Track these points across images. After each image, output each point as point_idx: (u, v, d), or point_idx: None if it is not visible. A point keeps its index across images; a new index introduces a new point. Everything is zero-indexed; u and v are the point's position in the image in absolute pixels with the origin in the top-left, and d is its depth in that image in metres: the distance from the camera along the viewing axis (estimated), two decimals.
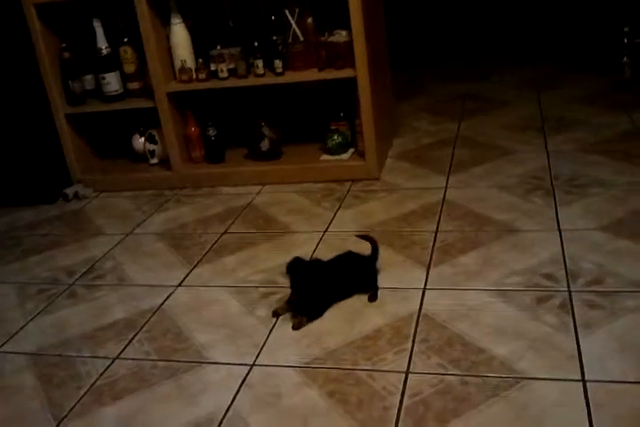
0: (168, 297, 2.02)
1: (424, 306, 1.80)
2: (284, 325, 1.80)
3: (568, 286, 1.79)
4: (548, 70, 3.99)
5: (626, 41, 3.48)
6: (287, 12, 2.64)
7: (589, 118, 3.08)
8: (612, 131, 2.89)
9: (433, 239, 2.16)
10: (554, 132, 2.96)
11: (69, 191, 2.91)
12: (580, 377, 1.45)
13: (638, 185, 2.34)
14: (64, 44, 2.82)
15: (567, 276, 1.84)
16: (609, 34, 3.68)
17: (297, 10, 2.64)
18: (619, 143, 2.75)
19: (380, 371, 1.57)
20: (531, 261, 1.95)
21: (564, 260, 1.92)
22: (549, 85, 3.66)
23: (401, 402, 1.45)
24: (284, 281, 1.99)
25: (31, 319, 2.00)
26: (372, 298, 1.87)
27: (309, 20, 2.66)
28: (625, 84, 3.44)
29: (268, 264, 2.13)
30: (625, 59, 3.45)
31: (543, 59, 4.23)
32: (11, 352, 1.85)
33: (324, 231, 2.31)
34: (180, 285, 2.09)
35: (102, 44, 2.79)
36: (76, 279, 2.21)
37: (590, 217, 2.15)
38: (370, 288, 1.89)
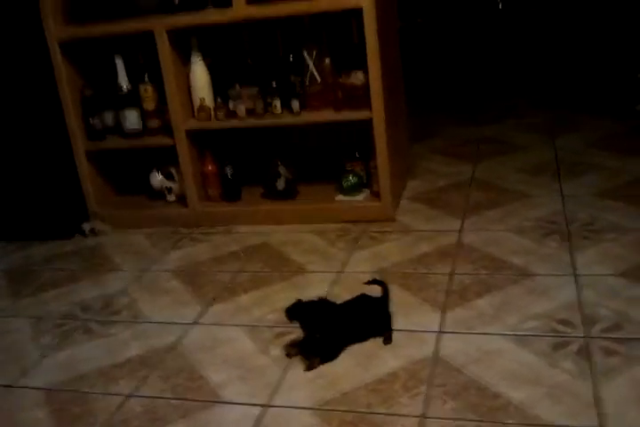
0: (182, 335, 2.02)
1: (439, 349, 1.79)
2: (299, 365, 1.79)
3: (585, 333, 1.77)
4: (563, 114, 4.02)
5: None
6: (305, 52, 2.69)
7: (605, 163, 3.09)
8: (628, 176, 2.89)
9: (448, 282, 2.16)
10: (569, 176, 2.98)
11: (86, 227, 2.94)
12: (598, 425, 1.43)
13: None
14: (85, 82, 2.88)
15: (584, 322, 1.83)
16: (625, 79, 3.72)
17: (315, 51, 2.69)
18: (635, 188, 2.76)
19: (395, 415, 1.55)
20: (547, 305, 1.94)
21: (581, 305, 1.91)
22: (564, 129, 3.69)
23: None
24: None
25: (46, 354, 2.00)
26: (387, 340, 1.86)
27: (327, 61, 2.72)
28: None
29: (282, 304, 2.09)
30: None
31: (558, 103, 4.27)
32: (25, 387, 1.85)
33: (339, 272, 2.32)
34: (194, 323, 2.09)
35: (123, 81, 2.85)
36: (92, 315, 2.22)
37: (607, 262, 2.15)
38: (384, 331, 1.88)
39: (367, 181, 2.85)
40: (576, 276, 2.09)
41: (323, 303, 1.85)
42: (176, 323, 2.09)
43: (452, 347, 1.79)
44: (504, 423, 1.48)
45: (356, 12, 2.50)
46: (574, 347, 1.72)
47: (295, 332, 1.93)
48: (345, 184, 2.84)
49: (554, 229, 2.45)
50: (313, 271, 2.35)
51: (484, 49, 4.76)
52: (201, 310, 2.16)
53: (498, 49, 4.78)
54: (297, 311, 1.79)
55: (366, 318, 1.87)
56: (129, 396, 1.74)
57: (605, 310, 1.87)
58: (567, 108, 4.11)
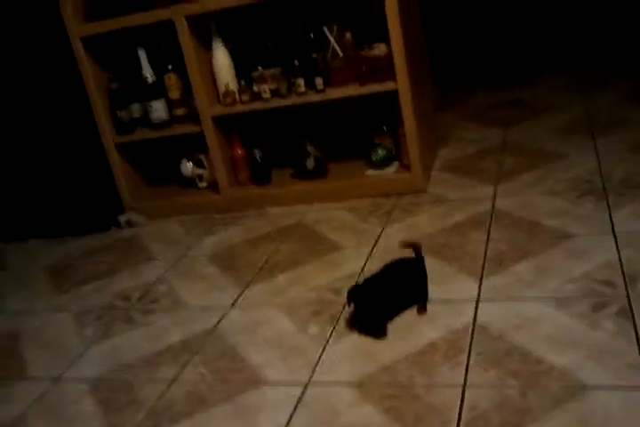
0: (221, 318, 2.03)
1: (478, 318, 1.77)
2: (338, 342, 1.79)
3: (627, 292, 1.73)
4: (591, 74, 3.90)
5: None
6: (325, 29, 2.66)
7: (637, 117, 3.00)
8: None
9: (484, 249, 2.13)
10: (602, 133, 2.90)
11: (122, 219, 2.98)
12: None
13: None
14: (111, 75, 2.91)
15: (625, 280, 1.78)
16: None
17: (335, 26, 2.66)
18: None
19: (437, 386, 1.54)
20: (586, 267, 1.89)
21: (621, 264, 1.86)
22: (594, 88, 3.59)
23: (459, 417, 1.43)
24: (335, 298, 2.01)
25: (90, 346, 2.04)
26: (422, 310, 1.84)
27: (348, 35, 2.68)
28: None
29: (318, 282, 2.13)
30: None
31: (586, 63, 4.15)
32: (72, 379, 1.89)
33: (373, 246, 2.30)
34: (232, 306, 2.10)
35: (147, 72, 2.86)
36: (132, 304, 2.25)
37: None
38: (420, 299, 1.86)
39: (396, 154, 2.82)
40: (615, 234, 2.04)
41: (365, 283, 1.82)
42: (214, 307, 2.11)
43: (491, 315, 1.77)
44: (548, 388, 1.45)
45: None
46: (615, 308, 1.68)
47: (332, 309, 1.94)
48: (374, 158, 2.81)
49: (589, 189, 2.39)
50: (347, 247, 2.34)
51: (506, 13, 4.64)
52: (238, 293, 2.17)
53: (522, 13, 4.65)
54: (355, 293, 1.78)
55: (407, 286, 1.85)
56: (172, 382, 1.77)
57: None
58: (595, 69, 3.99)
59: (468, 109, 3.72)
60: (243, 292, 2.18)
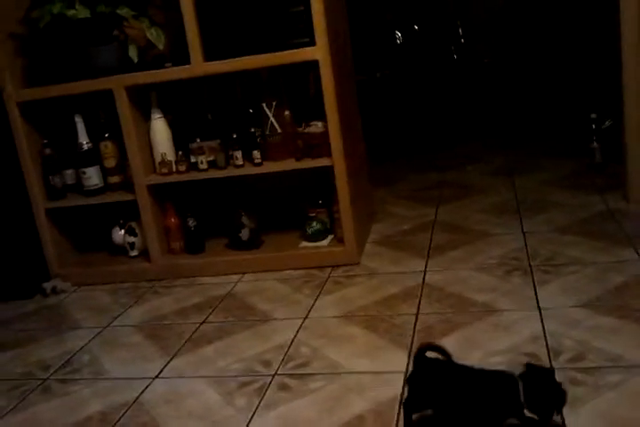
0: (145, 390, 1.96)
1: (405, 391, 1.75)
2: (264, 414, 1.74)
3: (550, 364, 1.76)
4: (520, 157, 4.11)
5: (594, 127, 3.62)
6: (264, 105, 2.74)
7: (563, 200, 3.14)
8: (587, 212, 2.94)
9: (414, 322, 2.14)
10: (529, 214, 3.02)
11: (47, 286, 2.88)
12: None
13: (614, 263, 2.36)
14: (45, 141, 2.89)
15: (549, 353, 1.81)
16: (578, 120, 3.83)
17: (274, 103, 2.74)
18: (593, 224, 2.80)
19: None
20: (512, 340, 1.93)
21: (545, 338, 1.90)
22: (523, 171, 3.76)
23: None
24: (264, 370, 1.96)
25: (3, 418, 1.92)
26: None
27: (287, 112, 2.76)
28: (596, 167, 3.54)
29: (247, 353, 2.09)
30: (595, 144, 3.57)
31: (515, 146, 4.37)
32: None
33: (305, 318, 2.29)
34: (157, 377, 2.03)
35: (83, 139, 2.86)
36: (51, 374, 2.15)
37: (568, 295, 2.16)
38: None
39: (331, 227, 2.86)
40: (540, 309, 2.09)
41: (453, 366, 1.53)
42: (138, 378, 2.03)
43: None
44: None
45: (313, 65, 2.56)
46: None
47: (260, 380, 1.90)
48: (309, 231, 2.84)
49: (516, 266, 2.46)
50: (278, 319, 2.32)
51: (441, 98, 4.89)
52: (164, 364, 2.10)
53: (455, 97, 4.91)
54: (420, 379, 1.52)
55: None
56: None
57: (569, 341, 1.86)
58: (524, 152, 4.21)
59: (400, 187, 3.83)
60: (168, 362, 2.11)
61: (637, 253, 2.42)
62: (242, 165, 2.75)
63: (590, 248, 2.53)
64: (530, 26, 4.92)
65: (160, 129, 2.82)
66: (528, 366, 1.46)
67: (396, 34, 5.20)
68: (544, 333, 1.93)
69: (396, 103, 4.83)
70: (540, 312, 2.07)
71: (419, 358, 1.53)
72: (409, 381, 1.56)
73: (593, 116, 3.62)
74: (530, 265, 2.45)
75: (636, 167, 2.92)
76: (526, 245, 2.65)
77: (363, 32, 4.63)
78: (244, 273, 2.77)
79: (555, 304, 2.11)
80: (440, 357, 1.53)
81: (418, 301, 2.29)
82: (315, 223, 2.84)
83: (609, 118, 3.53)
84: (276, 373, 1.94)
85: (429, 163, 4.33)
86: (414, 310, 2.22)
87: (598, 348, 1.81)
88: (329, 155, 2.65)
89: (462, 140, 4.70)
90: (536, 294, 2.20)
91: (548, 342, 1.87)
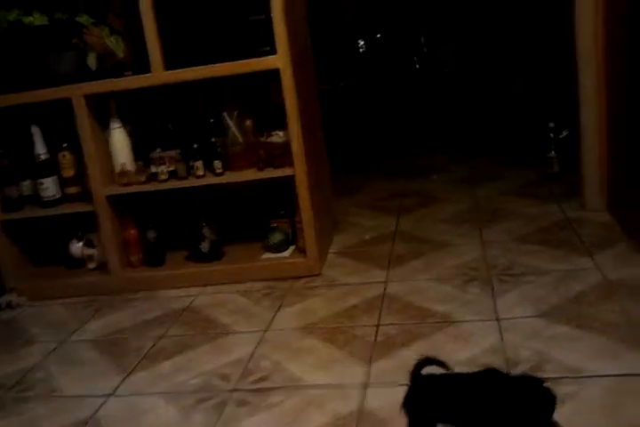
0: (100, 407, 1.91)
1: (365, 404, 1.75)
2: None
3: None
4: (482, 166, 4.15)
5: (552, 136, 3.67)
6: (226, 114, 2.72)
7: (522, 209, 3.17)
8: (545, 221, 2.97)
9: (375, 334, 2.13)
10: (489, 224, 3.04)
11: (2, 301, 2.81)
12: None
13: (571, 272, 2.39)
14: (1, 151, 2.82)
15: (507, 364, 1.82)
16: (537, 129, 3.88)
17: (235, 113, 2.72)
18: (551, 232, 2.83)
19: None
20: (472, 351, 1.93)
21: (504, 348, 1.91)
22: (483, 180, 3.79)
23: None
24: (223, 384, 1.94)
25: None
26: None
27: (248, 122, 2.75)
28: (554, 176, 3.59)
29: (206, 367, 2.06)
30: (552, 153, 3.62)
31: (477, 155, 4.41)
32: None
33: (265, 330, 2.27)
34: (113, 393, 1.99)
35: (40, 149, 2.80)
36: (5, 392, 2.09)
37: (527, 304, 2.17)
38: None
39: (293, 238, 2.85)
40: (498, 319, 2.10)
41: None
42: (93, 395, 1.99)
43: (378, 401, 1.75)
44: None
45: (275, 74, 2.54)
46: None
47: (219, 395, 1.87)
48: (270, 242, 2.83)
49: (475, 276, 2.47)
50: (238, 332, 2.29)
51: (404, 107, 4.92)
52: (120, 381, 2.06)
53: (418, 106, 4.95)
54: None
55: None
56: None
57: (527, 352, 1.87)
58: (485, 161, 4.24)
59: (363, 197, 3.83)
60: (125, 379, 2.07)
61: (594, 261, 2.45)
62: (203, 176, 2.72)
63: (549, 257, 2.55)
64: (489, 36, 4.98)
65: (119, 139, 2.78)
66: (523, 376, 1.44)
67: (358, 43, 5.24)
68: (502, 343, 1.94)
69: (360, 112, 4.84)
70: (499, 323, 2.08)
71: (417, 377, 1.47)
72: (408, 402, 1.46)
73: (551, 125, 3.68)
74: (489, 275, 2.46)
75: (592, 176, 2.97)
76: (485, 254, 2.67)
77: (326, 41, 4.65)
78: (204, 286, 2.73)
79: (513, 314, 2.12)
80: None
81: (378, 312, 2.29)
82: (276, 234, 2.83)
83: (567, 127, 3.59)
84: (235, 387, 1.92)
85: (393, 172, 4.35)
86: (375, 321, 2.22)
87: (556, 358, 1.82)
88: (291, 165, 2.63)
89: (428, 149, 4.73)
90: (495, 304, 2.22)
91: (507, 353, 1.88)
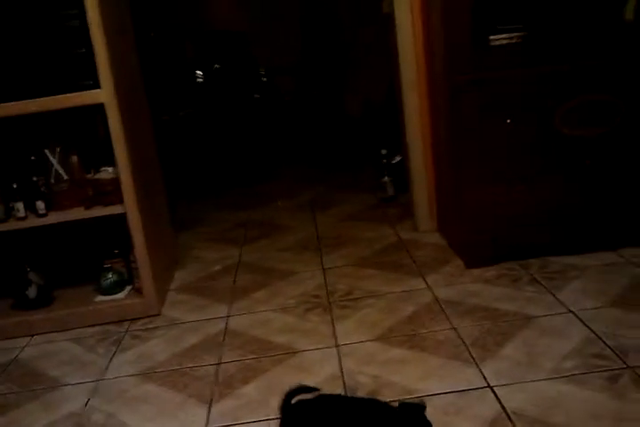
0: None
1: None
2: None
3: None
4: (321, 192, 4.20)
5: (385, 162, 3.80)
6: (47, 151, 2.58)
7: (360, 234, 3.24)
8: (381, 244, 3.05)
9: (215, 373, 2.07)
10: (329, 250, 3.07)
11: None
12: None
13: (406, 293, 2.46)
14: None
15: (346, 392, 1.82)
16: (371, 155, 4.00)
17: (58, 149, 2.59)
18: (387, 255, 2.90)
19: None
20: (312, 381, 1.90)
21: (342, 376, 1.91)
22: (323, 206, 3.84)
23: None
24: None
25: None
26: None
27: (74, 158, 2.62)
28: (388, 199, 3.71)
29: None
30: (386, 178, 3.75)
31: (316, 182, 4.46)
32: None
33: (99, 380, 2.13)
34: None
35: None
36: None
37: (364, 329, 2.20)
38: None
39: (129, 278, 2.73)
40: (337, 346, 2.11)
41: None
42: None
43: None
44: None
45: (100, 108, 2.44)
46: None
47: None
48: (104, 283, 2.69)
49: (316, 303, 2.48)
50: (69, 384, 2.14)
51: (244, 135, 4.92)
52: None
53: (259, 135, 4.97)
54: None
55: None
56: None
57: (365, 377, 1.89)
58: (324, 187, 4.30)
59: (205, 229, 3.75)
60: None
61: (425, 281, 2.53)
62: (24, 218, 2.54)
63: (385, 280, 2.61)
64: (327, 65, 5.14)
65: None
66: (401, 405, 1.43)
67: (196, 73, 5.21)
68: (341, 371, 1.95)
69: (201, 141, 4.80)
70: (339, 349, 2.09)
71: (287, 408, 1.45)
72: None
73: (383, 151, 3.81)
74: (329, 302, 2.48)
75: (421, 200, 3.09)
76: (326, 281, 2.69)
77: (163, 72, 4.58)
78: (32, 335, 2.54)
79: (351, 340, 2.14)
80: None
81: (219, 349, 2.23)
82: (110, 275, 2.69)
83: (398, 153, 3.73)
84: None
85: (237, 201, 4.31)
86: (216, 360, 2.16)
87: (391, 382, 1.85)
88: (121, 202, 2.53)
89: (273, 177, 4.74)
90: (334, 330, 2.23)
91: (345, 381, 1.88)
